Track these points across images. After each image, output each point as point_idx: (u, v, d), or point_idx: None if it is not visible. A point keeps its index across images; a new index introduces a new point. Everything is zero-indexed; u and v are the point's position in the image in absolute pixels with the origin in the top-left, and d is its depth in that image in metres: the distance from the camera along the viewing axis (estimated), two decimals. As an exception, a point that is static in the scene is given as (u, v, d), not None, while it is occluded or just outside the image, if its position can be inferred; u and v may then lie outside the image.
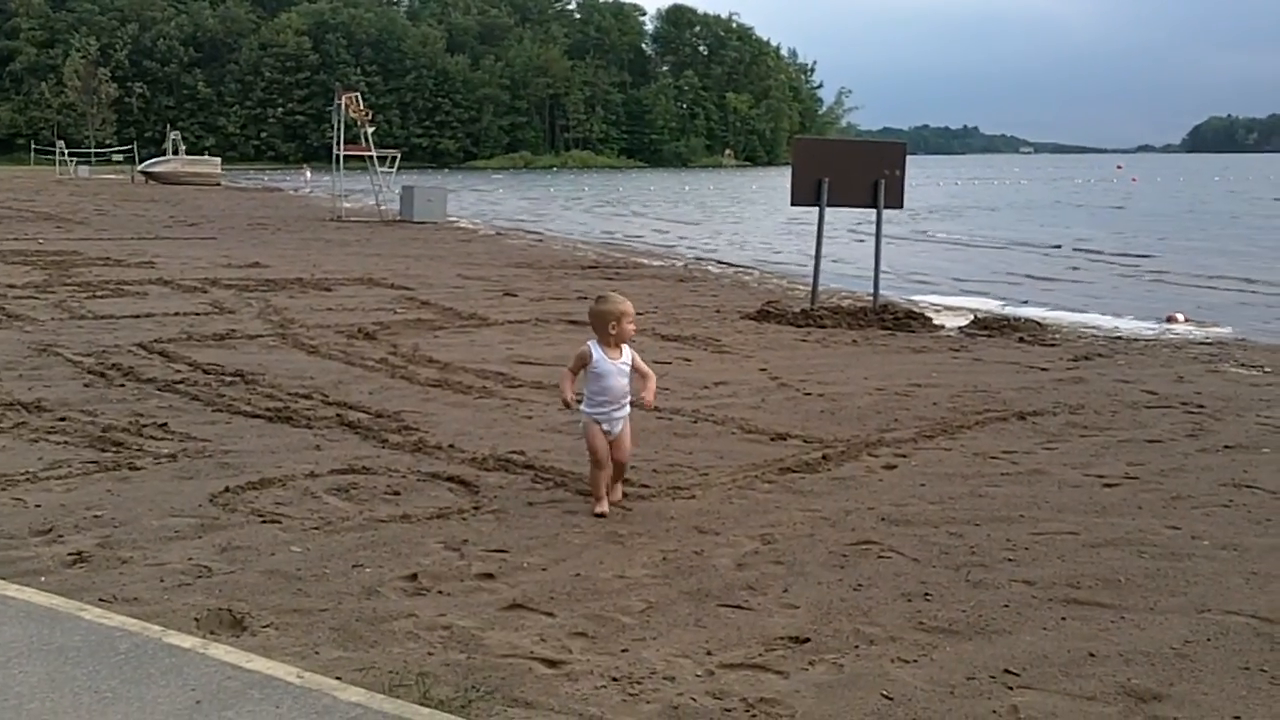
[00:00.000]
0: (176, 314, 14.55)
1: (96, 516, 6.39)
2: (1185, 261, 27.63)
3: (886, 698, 4.44)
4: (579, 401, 6.89)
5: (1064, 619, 5.27)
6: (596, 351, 6.79)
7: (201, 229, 31.95)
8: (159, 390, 9.90)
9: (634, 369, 6.88)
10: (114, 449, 7.88)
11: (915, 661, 4.78)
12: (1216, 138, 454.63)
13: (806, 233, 30.81)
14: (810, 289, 17.12)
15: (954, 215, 48.41)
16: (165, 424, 8.63)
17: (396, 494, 7.02)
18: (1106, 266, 26.77)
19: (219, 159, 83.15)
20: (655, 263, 25.87)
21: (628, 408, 6.86)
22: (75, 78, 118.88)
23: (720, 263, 26.84)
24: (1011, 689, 4.54)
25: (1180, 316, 17.06)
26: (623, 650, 4.80)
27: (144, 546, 5.94)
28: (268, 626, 4.98)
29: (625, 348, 6.89)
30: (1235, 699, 4.49)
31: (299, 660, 4.60)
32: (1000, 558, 6.07)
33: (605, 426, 6.74)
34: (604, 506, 6.69)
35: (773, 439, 8.67)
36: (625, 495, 6.99)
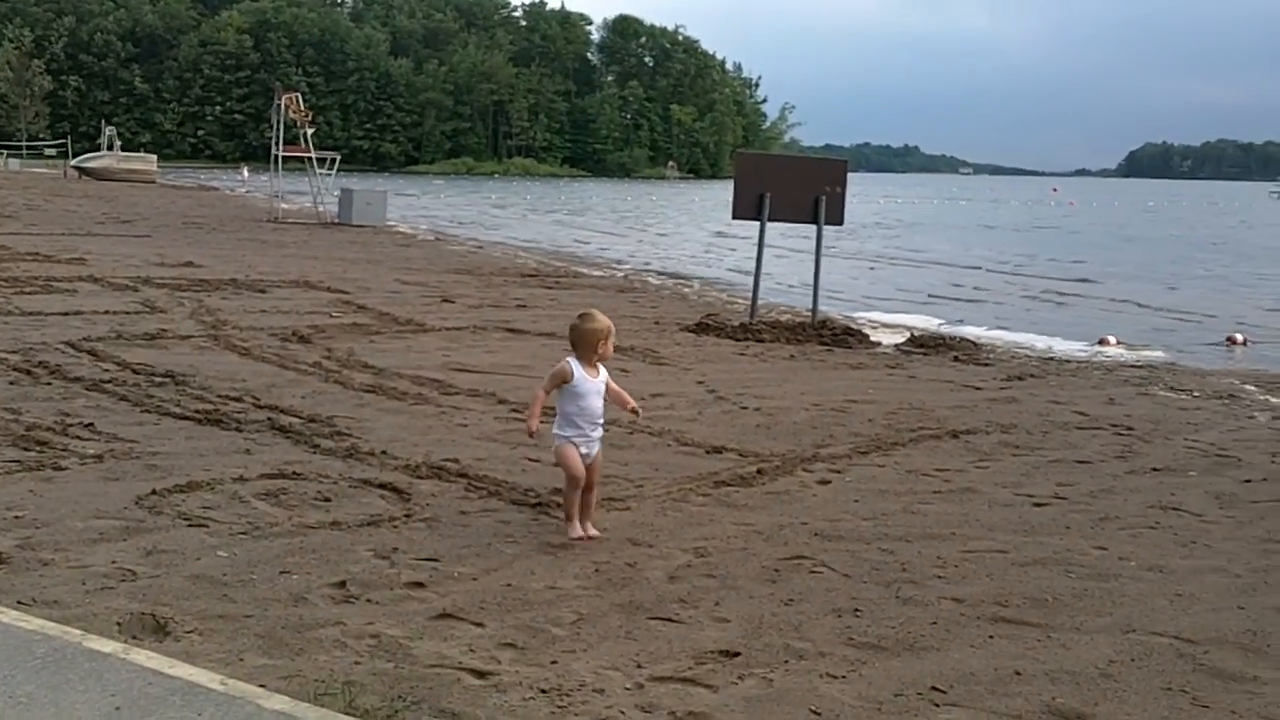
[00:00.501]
0: (107, 312, 14.33)
1: (18, 517, 6.27)
2: (1118, 284, 28.02)
3: (815, 713, 4.45)
4: (553, 425, 6.61)
5: (992, 637, 5.30)
6: (577, 370, 6.47)
7: (135, 226, 31.54)
8: (86, 389, 9.74)
9: (608, 390, 6.62)
10: (38, 448, 7.74)
11: (844, 677, 4.78)
12: (1152, 163, 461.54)
13: (747, 246, 30.97)
14: (749, 303, 17.17)
15: (893, 233, 48.80)
16: (92, 424, 8.49)
17: (327, 500, 6.95)
18: (1041, 287, 27.05)
19: (155, 156, 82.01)
20: (595, 272, 25.86)
21: (602, 429, 6.62)
22: (7, 68, 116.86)
23: (660, 274, 26.88)
24: (939, 706, 4.56)
25: (1112, 339, 17.28)
26: (552, 662, 4.77)
27: (66, 549, 5.83)
28: (191, 632, 4.90)
29: (602, 368, 6.59)
30: (1158, 719, 4.53)
31: (223, 667, 4.54)
32: (930, 575, 6.10)
33: (583, 449, 6.44)
34: (577, 529, 6.44)
35: (708, 452, 8.68)
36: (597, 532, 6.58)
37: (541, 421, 6.59)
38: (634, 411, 6.71)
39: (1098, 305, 23.71)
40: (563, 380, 6.47)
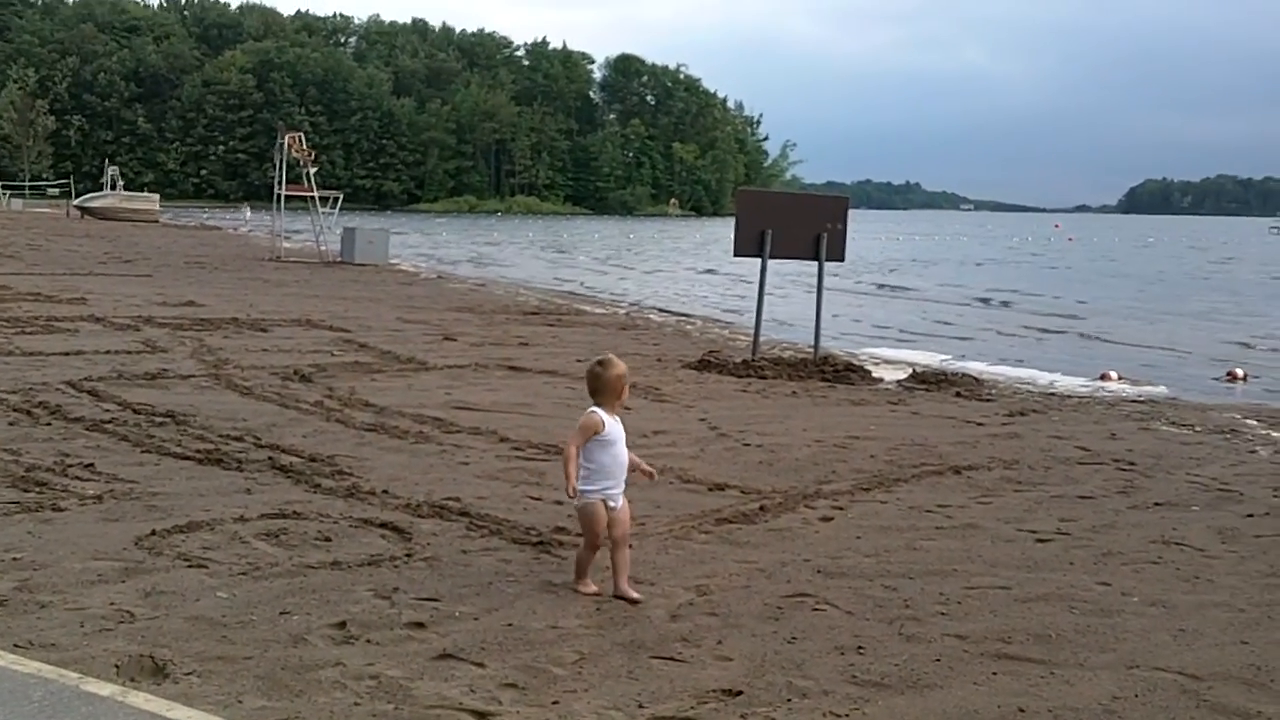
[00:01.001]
0: (108, 352, 14.33)
1: (16, 559, 6.25)
2: (1119, 320, 28.04)
3: (817, 753, 4.42)
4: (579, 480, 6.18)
5: (995, 674, 5.27)
6: (606, 419, 6.13)
7: (137, 266, 31.62)
8: (86, 430, 9.73)
9: None
10: (37, 489, 7.73)
11: (847, 716, 4.75)
12: (1152, 199, 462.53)
13: (749, 283, 31.02)
14: (751, 339, 17.17)
15: (895, 269, 48.86)
16: (92, 464, 8.48)
17: (328, 540, 6.92)
18: (1043, 323, 27.07)
19: (157, 195, 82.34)
20: (597, 310, 25.88)
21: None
22: (11, 109, 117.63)
23: (662, 311, 26.90)
24: (942, 746, 4.53)
25: (1114, 374, 17.25)
26: (553, 702, 4.74)
27: (64, 590, 5.81)
28: (190, 674, 4.88)
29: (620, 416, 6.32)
30: (1164, 758, 4.50)
31: (222, 709, 4.51)
32: (933, 611, 6.07)
33: (612, 502, 6.11)
34: (591, 586, 6.16)
35: (710, 489, 8.66)
36: (631, 579, 6.21)
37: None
38: (652, 473, 6.50)
39: (1099, 340, 23.71)
40: (594, 432, 6.11)
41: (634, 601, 5.99)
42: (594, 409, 6.17)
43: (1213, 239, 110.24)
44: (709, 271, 44.17)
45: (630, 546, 7.00)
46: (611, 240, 75.21)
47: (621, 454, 6.18)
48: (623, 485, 6.18)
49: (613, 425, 6.14)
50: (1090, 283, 42.98)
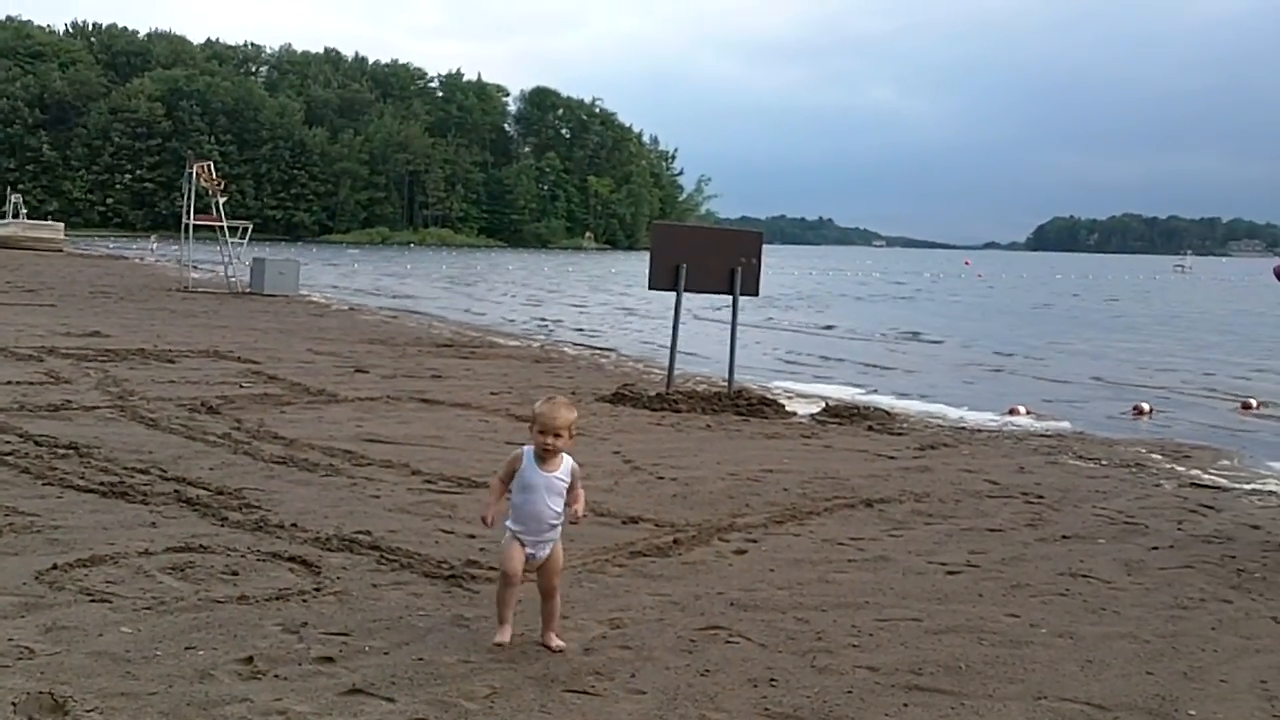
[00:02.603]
0: (9, 383, 14.01)
1: (-87, 593, 6.09)
2: (1027, 355, 28.50)
3: (730, 786, 4.41)
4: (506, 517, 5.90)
5: (906, 705, 5.30)
6: (527, 459, 5.81)
7: (40, 295, 31.02)
8: (-12, 461, 9.52)
9: (571, 487, 5.88)
10: (-64, 522, 7.54)
11: (760, 749, 4.75)
12: (1060, 237, 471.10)
13: (660, 315, 31.13)
14: (666, 373, 17.21)
15: (809, 304, 49.27)
16: (-7, 497, 8.29)
17: (235, 574, 6.81)
18: (953, 357, 27.43)
19: (62, 224, 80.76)
20: (511, 342, 25.80)
21: (559, 529, 5.87)
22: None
23: (576, 344, 26.89)
24: (854, 778, 4.54)
25: (1022, 409, 17.49)
26: (464, 737, 4.70)
27: (-38, 625, 5.67)
28: (92, 711, 4.76)
29: (567, 460, 5.87)
30: (1072, 788, 4.55)
31: (124, 747, 4.41)
32: (846, 643, 6.11)
33: (529, 550, 5.77)
34: (506, 634, 5.78)
35: (624, 522, 8.64)
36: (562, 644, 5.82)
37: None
38: (578, 515, 5.96)
39: (1007, 375, 24.06)
40: (512, 468, 5.86)
41: (554, 650, 5.74)
42: (525, 446, 5.90)
43: (1118, 277, 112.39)
44: (623, 305, 44.23)
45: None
46: (526, 273, 75.15)
47: (536, 504, 5.75)
48: (542, 536, 5.78)
49: (531, 471, 5.77)
50: (997, 318, 43.65)
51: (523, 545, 5.76)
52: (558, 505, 5.79)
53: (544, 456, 5.78)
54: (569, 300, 47.06)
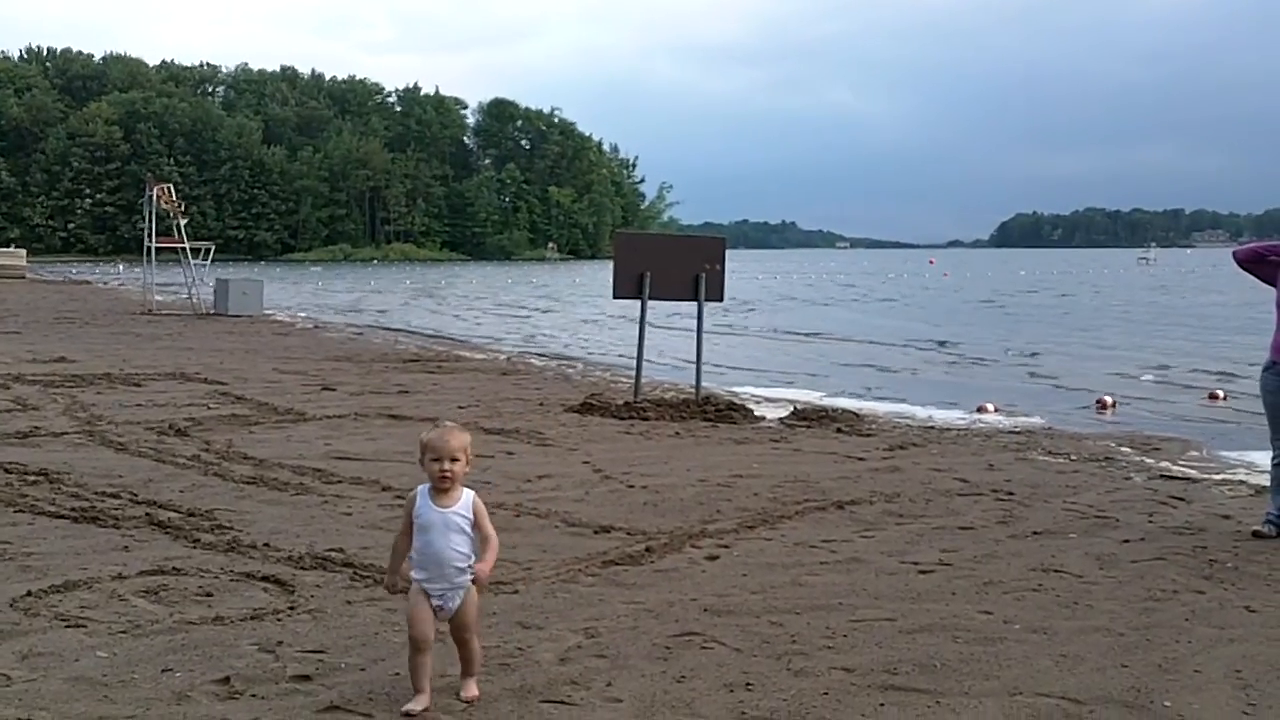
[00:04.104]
0: (-24, 411, 13.96)
1: (-116, 625, 6.06)
2: (991, 352, 28.66)
3: (710, 791, 4.43)
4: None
5: (882, 705, 5.34)
6: (421, 498, 5.21)
7: (4, 323, 30.81)
8: (-45, 491, 9.46)
9: (476, 525, 5.22)
10: (-95, 553, 7.50)
11: (738, 753, 4.78)
12: (1023, 233, 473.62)
13: (626, 325, 31.17)
14: (633, 381, 17.23)
15: (774, 308, 49.38)
16: (-38, 526, 8.25)
17: (209, 595, 6.80)
18: (920, 357, 27.55)
19: (24, 251, 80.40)
20: (478, 356, 25.77)
21: (468, 575, 5.22)
22: None
23: (542, 355, 26.87)
24: (833, 777, 4.57)
25: (990, 406, 17.59)
26: (444, 751, 4.71)
27: (-64, 656, 5.64)
28: (69, 737, 4.76)
29: (466, 494, 5.22)
30: (1048, 780, 4.59)
31: (103, 772, 4.40)
32: (820, 645, 6.14)
33: (436, 600, 5.15)
34: (421, 702, 5.12)
35: (596, 532, 8.66)
36: (477, 692, 5.31)
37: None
38: (478, 578, 5.22)
39: (974, 372, 24.17)
40: (408, 511, 5.25)
41: (467, 702, 5.22)
42: (420, 487, 5.26)
43: (1081, 271, 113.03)
44: (588, 316, 44.22)
45: (516, 591, 6.98)
46: (490, 286, 75.02)
47: (435, 544, 5.12)
48: (450, 582, 5.15)
49: (426, 508, 5.15)
50: (963, 316, 43.87)
51: (429, 597, 5.15)
52: (462, 545, 5.15)
53: (441, 489, 5.14)
54: (533, 312, 47.00)
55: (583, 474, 11.10)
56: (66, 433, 12.64)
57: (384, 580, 5.31)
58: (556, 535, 8.56)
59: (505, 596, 6.93)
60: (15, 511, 8.81)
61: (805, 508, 9.69)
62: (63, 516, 8.67)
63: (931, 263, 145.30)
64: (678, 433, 14.02)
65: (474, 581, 5.18)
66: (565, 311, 47.15)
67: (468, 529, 5.16)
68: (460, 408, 15.70)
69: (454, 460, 5.12)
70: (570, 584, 7.27)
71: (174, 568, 7.33)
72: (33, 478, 10.08)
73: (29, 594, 6.67)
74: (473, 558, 5.17)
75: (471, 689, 5.28)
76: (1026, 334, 34.87)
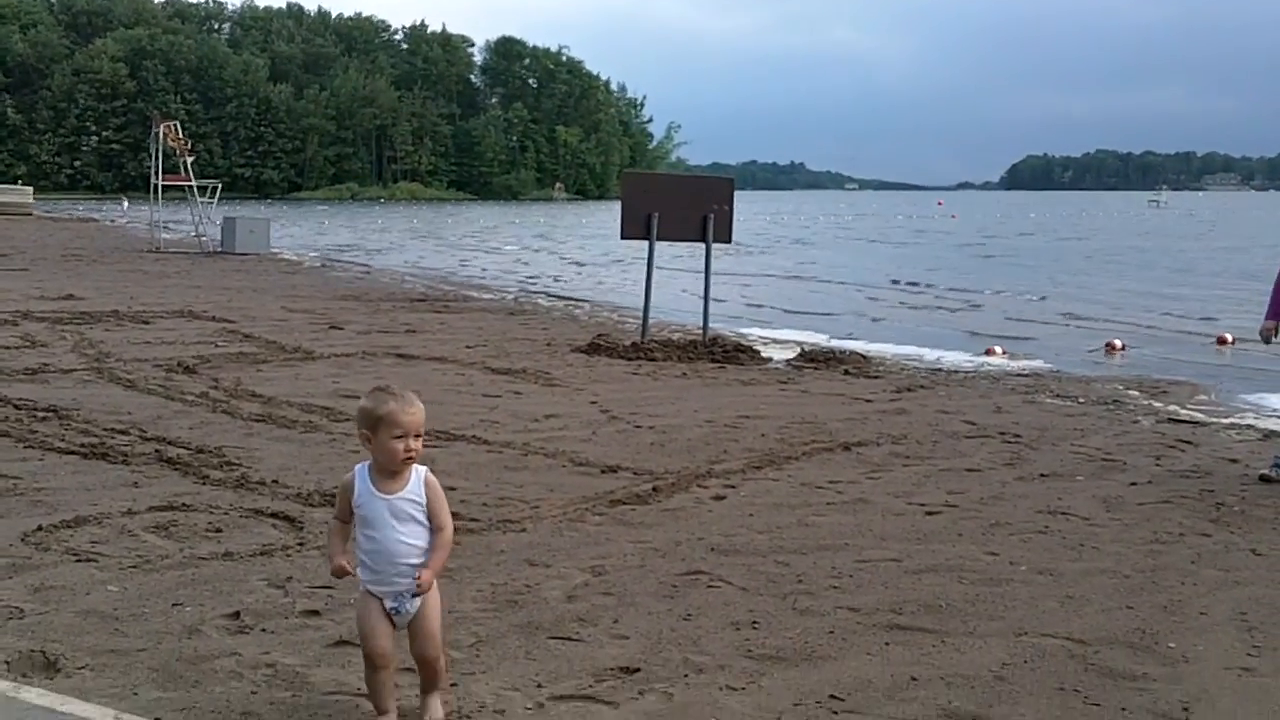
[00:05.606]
0: (-15, 347, 14.01)
1: (-103, 558, 6.11)
2: (1000, 295, 28.57)
3: (716, 726, 4.47)
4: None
5: (887, 644, 5.37)
6: (359, 480, 4.31)
7: (12, 260, 30.81)
8: (-34, 426, 9.51)
9: (430, 510, 4.30)
10: (-84, 487, 7.55)
11: (744, 689, 4.82)
12: (1034, 175, 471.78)
13: (632, 266, 31.14)
14: (640, 322, 17.23)
15: (782, 249, 49.23)
16: (-28, 461, 8.30)
17: (218, 531, 6.84)
18: (928, 300, 27.49)
19: (31, 188, 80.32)
20: (485, 295, 25.77)
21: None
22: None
23: (550, 295, 26.86)
24: (837, 714, 4.61)
25: (998, 349, 17.58)
26: (452, 684, 4.74)
27: (-51, 589, 5.69)
28: (83, 668, 4.80)
29: (417, 473, 4.31)
30: (1051, 719, 4.62)
31: (117, 702, 4.45)
32: (826, 585, 6.17)
33: (390, 603, 4.27)
34: None
35: (603, 471, 8.69)
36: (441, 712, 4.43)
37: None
38: (421, 582, 4.25)
39: (982, 315, 24.09)
40: (345, 500, 4.35)
41: None
42: (358, 467, 4.39)
43: (1091, 213, 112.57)
44: (595, 256, 44.11)
45: (524, 530, 7.01)
46: (496, 226, 74.85)
47: (383, 539, 4.23)
48: (401, 586, 4.25)
49: (367, 496, 4.26)
50: (971, 259, 43.71)
51: (381, 602, 4.30)
52: (417, 537, 4.25)
53: (391, 471, 4.26)
54: (541, 252, 46.91)
55: (590, 414, 11.12)
56: (75, 369, 12.67)
57: (330, 565, 4.35)
58: (564, 474, 8.59)
59: (513, 535, 6.97)
60: (25, 448, 8.84)
61: (812, 449, 9.71)
62: (72, 452, 8.71)
63: (940, 204, 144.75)
64: (685, 374, 14.03)
65: (418, 584, 4.24)
66: (572, 252, 47.05)
67: (420, 516, 4.26)
68: (468, 347, 15.72)
69: (417, 437, 4.25)
70: (577, 523, 7.30)
71: (183, 504, 7.37)
72: (42, 414, 10.12)
73: (40, 529, 6.71)
74: (427, 550, 4.29)
75: (435, 709, 4.40)
76: (1035, 277, 34.75)
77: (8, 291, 21.34)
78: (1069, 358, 17.40)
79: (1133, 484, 8.76)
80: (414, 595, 4.28)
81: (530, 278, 32.63)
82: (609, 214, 66.45)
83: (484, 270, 35.50)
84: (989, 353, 17.40)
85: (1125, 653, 5.34)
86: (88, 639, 5.12)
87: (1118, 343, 18.66)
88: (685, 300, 24.07)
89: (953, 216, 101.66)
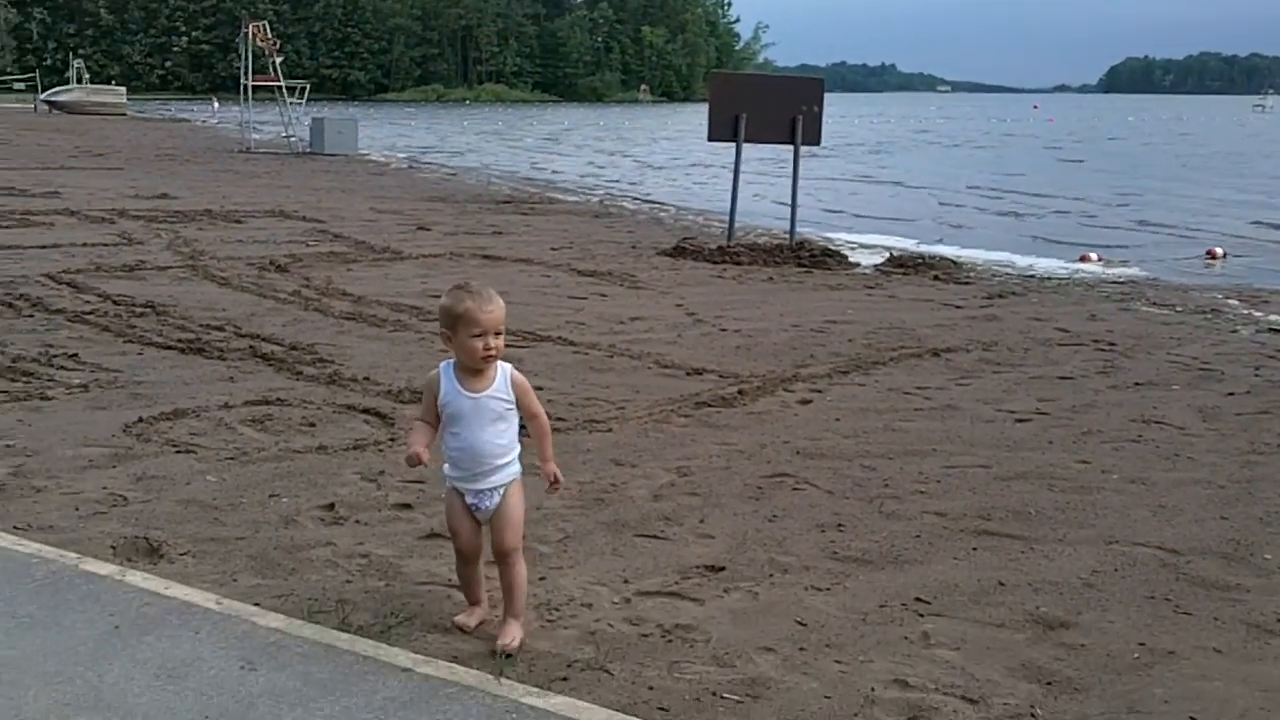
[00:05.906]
0: (84, 245, 14.27)
1: (9, 446, 6.30)
2: (1096, 201, 28.00)
3: (800, 624, 4.52)
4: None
5: (974, 549, 5.37)
6: (445, 378, 4.27)
7: (108, 159, 31.28)
8: (69, 321, 9.75)
9: (520, 405, 4.30)
10: (24, 379, 7.76)
11: (829, 589, 4.86)
12: (1133, 78, 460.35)
13: (719, 169, 30.88)
14: (727, 225, 17.16)
15: (872, 153, 48.61)
16: (76, 354, 8.51)
17: (312, 425, 6.98)
18: (1019, 206, 27.02)
19: (124, 89, 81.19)
20: (570, 198, 25.76)
21: (512, 470, 4.32)
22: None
23: (635, 198, 26.77)
24: (923, 616, 4.63)
25: (1093, 256, 17.29)
26: (540, 578, 4.83)
27: (58, 475, 5.87)
28: (185, 555, 4.95)
29: (502, 369, 4.28)
30: (1140, 627, 4.61)
31: (217, 587, 4.59)
32: (913, 490, 6.17)
33: (470, 499, 4.31)
34: (475, 615, 4.42)
35: (688, 374, 8.72)
36: (519, 637, 4.27)
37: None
38: (553, 480, 4.38)
39: (1078, 221, 23.60)
40: (431, 396, 4.30)
41: (506, 653, 4.17)
42: (442, 365, 4.34)
43: (1193, 118, 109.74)
44: (681, 158, 43.82)
45: (610, 430, 7.07)
46: (582, 127, 74.52)
47: (469, 438, 4.22)
48: (488, 485, 4.28)
49: (454, 394, 4.22)
50: (1067, 164, 42.86)
51: (462, 498, 4.35)
52: (502, 436, 4.26)
53: (476, 370, 4.22)
54: (627, 154, 46.67)
55: (675, 317, 11.13)
56: (171, 267, 12.90)
57: (409, 452, 4.21)
58: (649, 376, 8.63)
59: (599, 435, 7.03)
60: (125, 342, 9.05)
61: (900, 354, 9.66)
62: (170, 347, 8.90)
63: (1035, 108, 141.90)
64: (771, 278, 13.97)
65: (552, 485, 4.37)
66: (658, 154, 46.77)
67: (508, 414, 4.26)
68: (553, 249, 15.76)
69: (498, 334, 4.19)
70: (663, 424, 7.34)
71: (278, 398, 7.52)
72: (140, 310, 10.33)
73: (140, 420, 6.89)
74: (517, 447, 4.31)
75: (513, 632, 4.27)
76: (1133, 182, 34.02)
77: (104, 190, 21.71)
78: (1168, 265, 17.08)
79: (1230, 394, 8.63)
80: (548, 492, 4.46)
81: (612, 181, 32.50)
82: (697, 116, 65.97)
83: (563, 173, 35.41)
84: (1083, 259, 17.12)
85: (1219, 563, 5.30)
86: (188, 527, 5.27)
87: (1218, 250, 18.28)
88: (761, 205, 23.89)
89: (1050, 120, 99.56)
